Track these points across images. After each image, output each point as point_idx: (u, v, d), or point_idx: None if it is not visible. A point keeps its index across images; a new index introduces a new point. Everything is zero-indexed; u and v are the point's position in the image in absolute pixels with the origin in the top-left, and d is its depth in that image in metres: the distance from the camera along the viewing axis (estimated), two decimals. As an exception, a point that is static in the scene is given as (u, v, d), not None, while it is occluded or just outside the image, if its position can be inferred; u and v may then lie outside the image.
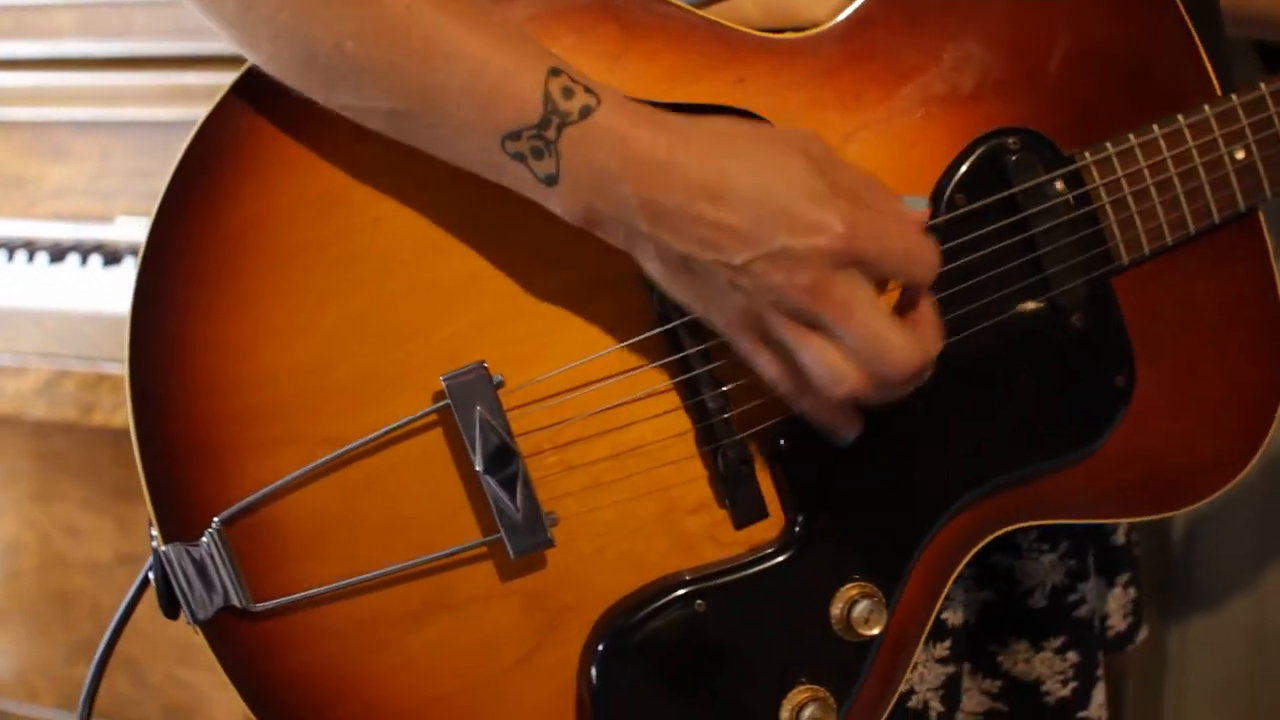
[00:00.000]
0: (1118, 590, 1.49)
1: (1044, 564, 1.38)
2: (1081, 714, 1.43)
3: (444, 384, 1.09)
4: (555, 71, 1.04)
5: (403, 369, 1.10)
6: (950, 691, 1.36)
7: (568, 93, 1.03)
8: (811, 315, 1.05)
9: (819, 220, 1.03)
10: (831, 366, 1.06)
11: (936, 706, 1.34)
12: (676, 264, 1.06)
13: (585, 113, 1.03)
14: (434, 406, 1.10)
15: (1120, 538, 1.49)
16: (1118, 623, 1.50)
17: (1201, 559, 2.23)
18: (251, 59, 1.09)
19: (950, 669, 1.35)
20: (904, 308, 1.09)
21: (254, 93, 1.10)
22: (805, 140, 1.07)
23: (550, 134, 1.03)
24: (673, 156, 1.03)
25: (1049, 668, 1.41)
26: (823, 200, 1.04)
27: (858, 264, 1.04)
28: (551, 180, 1.05)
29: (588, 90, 1.04)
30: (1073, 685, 1.41)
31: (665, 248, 1.05)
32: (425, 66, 1.04)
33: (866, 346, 1.05)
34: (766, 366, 1.10)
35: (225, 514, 1.08)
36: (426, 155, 1.09)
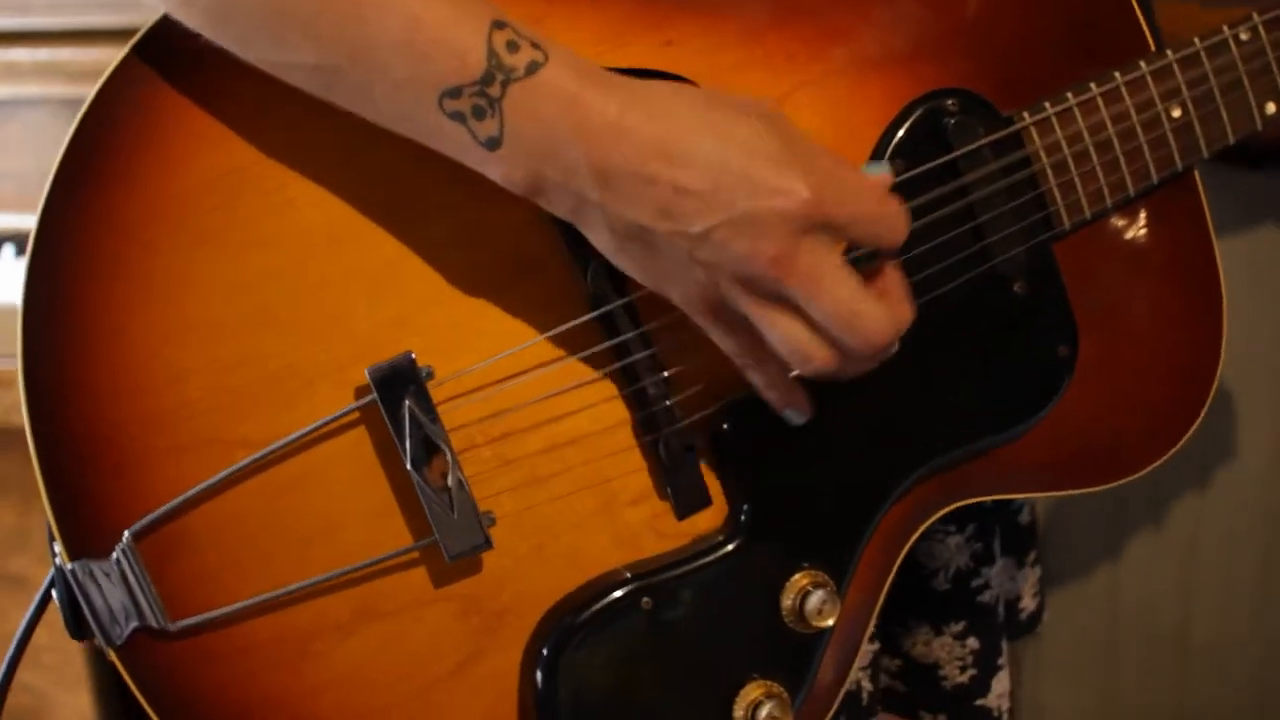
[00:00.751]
0: (1028, 570, 1.47)
1: (949, 546, 1.36)
2: (980, 702, 1.41)
3: (369, 377, 1.02)
4: (499, 24, 0.95)
5: (323, 363, 1.03)
6: (876, 671, 1.32)
7: (512, 47, 0.95)
8: (776, 287, 0.97)
9: (782, 183, 0.96)
10: (799, 344, 0.99)
11: (867, 686, 1.31)
12: (629, 235, 0.98)
13: (532, 69, 0.95)
14: (359, 403, 1.03)
15: (1026, 516, 1.47)
16: (1029, 604, 1.48)
17: (1056, 532, 2.23)
18: (162, 3, 0.99)
19: (875, 647, 1.32)
20: (870, 276, 1.02)
21: (154, 58, 1.01)
22: (757, 103, 1.00)
23: (494, 91, 0.95)
24: (625, 117, 0.95)
25: (948, 652, 1.38)
26: (783, 162, 0.97)
27: (824, 228, 0.97)
28: (494, 144, 0.96)
29: (534, 45, 0.95)
30: (971, 672, 1.39)
31: (617, 217, 0.97)
32: (355, 16, 0.94)
33: (836, 319, 0.98)
34: (723, 340, 1.03)
35: (136, 526, 0.99)
36: (340, 127, 1.00)
